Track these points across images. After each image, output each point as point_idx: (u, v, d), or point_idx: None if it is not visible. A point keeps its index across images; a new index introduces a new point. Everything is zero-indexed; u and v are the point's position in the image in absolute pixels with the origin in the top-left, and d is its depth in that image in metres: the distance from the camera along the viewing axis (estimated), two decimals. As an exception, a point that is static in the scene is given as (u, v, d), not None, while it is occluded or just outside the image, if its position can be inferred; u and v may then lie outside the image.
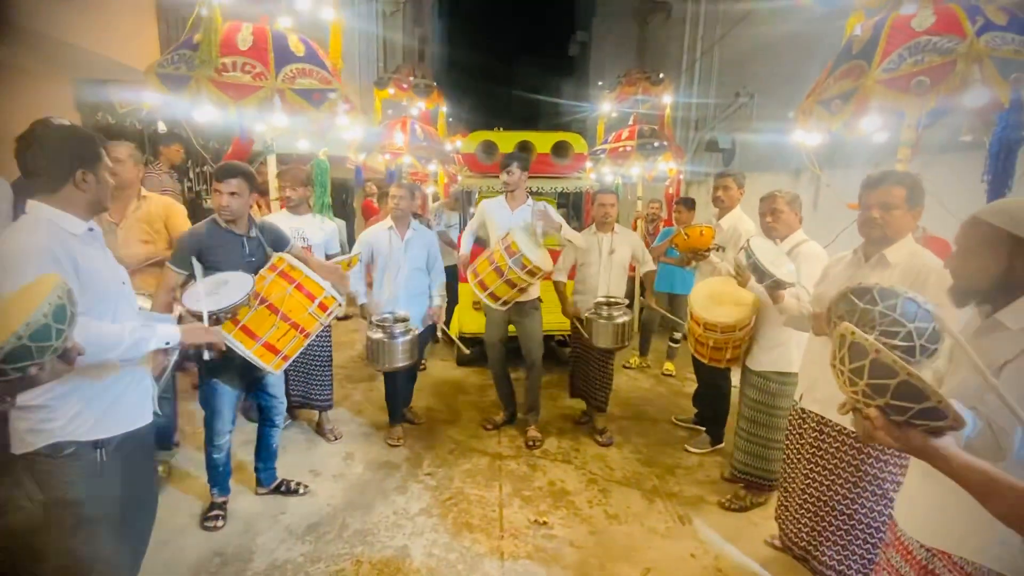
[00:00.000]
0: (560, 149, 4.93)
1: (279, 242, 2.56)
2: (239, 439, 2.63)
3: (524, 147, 4.82)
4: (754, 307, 2.72)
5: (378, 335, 3.06)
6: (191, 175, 5.45)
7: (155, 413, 1.75)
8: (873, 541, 2.01)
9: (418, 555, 2.44)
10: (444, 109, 6.30)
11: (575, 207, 6.02)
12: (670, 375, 4.93)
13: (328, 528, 2.60)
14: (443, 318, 3.63)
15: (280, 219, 3.10)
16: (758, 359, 2.77)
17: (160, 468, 2.86)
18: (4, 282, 1.31)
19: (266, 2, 2.88)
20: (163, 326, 1.64)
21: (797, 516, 2.24)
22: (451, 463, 3.27)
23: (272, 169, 3.37)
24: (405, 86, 5.52)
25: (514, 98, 23.42)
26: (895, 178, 1.87)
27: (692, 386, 4.08)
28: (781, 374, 2.67)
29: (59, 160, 1.48)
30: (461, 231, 5.74)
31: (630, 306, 3.65)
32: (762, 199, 2.78)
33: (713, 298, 2.86)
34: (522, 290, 3.26)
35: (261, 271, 2.30)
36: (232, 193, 2.32)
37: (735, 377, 3.24)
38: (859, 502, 2.02)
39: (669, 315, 4.37)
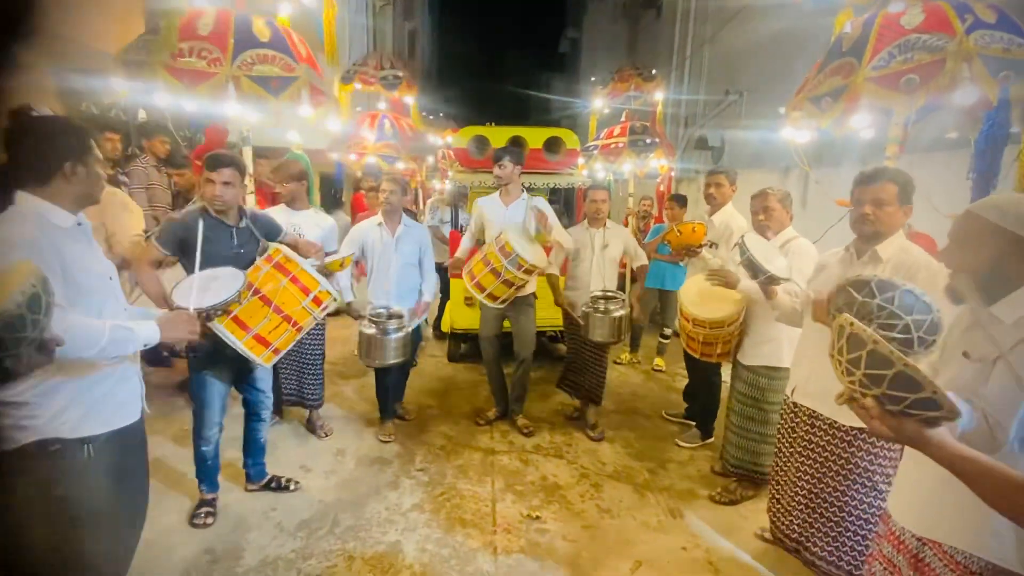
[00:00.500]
0: (552, 145, 4.93)
1: (272, 232, 2.53)
2: (225, 435, 2.58)
3: (516, 142, 4.80)
4: (743, 303, 2.75)
5: (371, 330, 3.03)
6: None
7: (143, 410, 1.72)
8: (863, 533, 2.04)
9: (411, 550, 2.43)
10: (412, 100, 5.76)
11: (567, 203, 6.02)
12: (660, 371, 4.96)
13: (320, 524, 2.58)
14: (426, 313, 3.58)
15: (278, 215, 3.05)
16: (749, 354, 2.79)
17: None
18: None
19: None
20: (144, 328, 1.59)
21: (789, 509, 2.26)
22: (443, 459, 3.26)
23: (248, 161, 3.29)
24: (372, 80, 5.23)
25: (505, 93, 23.38)
26: (888, 175, 1.89)
27: (682, 381, 4.11)
28: (771, 369, 2.70)
29: (49, 152, 1.44)
30: (453, 228, 5.73)
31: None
32: (754, 196, 2.80)
33: (702, 294, 2.88)
34: (519, 288, 3.26)
35: (257, 261, 2.26)
36: (225, 183, 2.28)
37: (725, 372, 3.27)
38: (849, 494, 2.05)
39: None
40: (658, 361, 5.04)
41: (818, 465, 2.13)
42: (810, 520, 2.17)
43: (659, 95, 5.34)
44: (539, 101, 23.61)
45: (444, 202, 6.03)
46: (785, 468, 2.30)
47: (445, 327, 5.09)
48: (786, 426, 2.32)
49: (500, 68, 27.51)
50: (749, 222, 2.94)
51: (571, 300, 3.65)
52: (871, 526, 2.01)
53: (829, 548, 2.12)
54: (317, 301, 2.27)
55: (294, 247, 2.50)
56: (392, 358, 3.06)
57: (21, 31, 0.94)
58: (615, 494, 2.96)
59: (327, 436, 3.45)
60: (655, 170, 5.68)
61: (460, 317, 4.76)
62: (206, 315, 1.90)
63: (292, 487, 2.83)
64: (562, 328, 4.07)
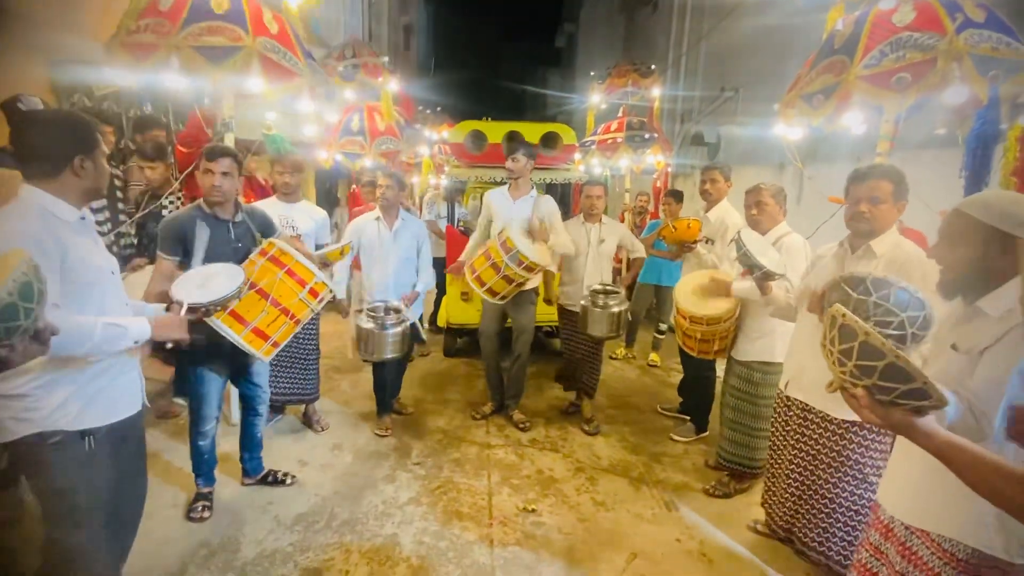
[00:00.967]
0: (549, 140, 4.92)
1: (267, 228, 2.52)
2: (221, 430, 2.59)
3: (513, 137, 4.80)
4: (738, 298, 2.77)
5: (369, 325, 3.03)
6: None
7: (143, 403, 1.72)
8: (854, 523, 2.08)
9: (408, 543, 2.45)
10: (392, 89, 5.21)
11: (563, 198, 6.03)
12: (655, 366, 5.00)
13: (317, 518, 2.60)
14: (414, 303, 3.47)
15: (269, 206, 3.04)
16: (743, 349, 2.82)
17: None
18: None
19: None
20: (136, 325, 1.59)
21: (782, 500, 2.30)
22: (440, 452, 3.28)
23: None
24: (333, 73, 4.75)
25: (501, 88, 23.25)
26: (882, 172, 1.92)
27: (677, 376, 4.14)
28: (765, 364, 2.73)
29: (59, 145, 1.45)
30: (449, 223, 5.73)
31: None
32: (747, 192, 2.82)
33: (698, 291, 2.90)
34: (519, 285, 3.25)
35: (251, 256, 2.25)
36: (224, 173, 2.27)
37: (719, 367, 3.30)
38: (840, 486, 2.09)
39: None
40: (653, 356, 5.07)
41: (810, 457, 2.17)
42: (802, 511, 2.21)
43: (656, 91, 5.36)
44: (535, 96, 23.57)
45: (441, 197, 6.03)
46: (779, 460, 2.34)
47: (441, 322, 5.10)
48: (780, 419, 2.35)
49: (496, 63, 27.39)
50: (743, 217, 2.96)
51: (568, 294, 3.67)
52: (861, 517, 2.06)
53: (820, 538, 2.16)
54: (314, 293, 2.27)
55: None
56: (390, 353, 3.06)
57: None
58: (610, 487, 2.99)
59: (324, 430, 3.46)
60: (651, 166, 5.70)
61: (456, 312, 4.77)
62: (204, 311, 1.90)
63: (289, 481, 2.84)
64: (557, 324, 4.09)
